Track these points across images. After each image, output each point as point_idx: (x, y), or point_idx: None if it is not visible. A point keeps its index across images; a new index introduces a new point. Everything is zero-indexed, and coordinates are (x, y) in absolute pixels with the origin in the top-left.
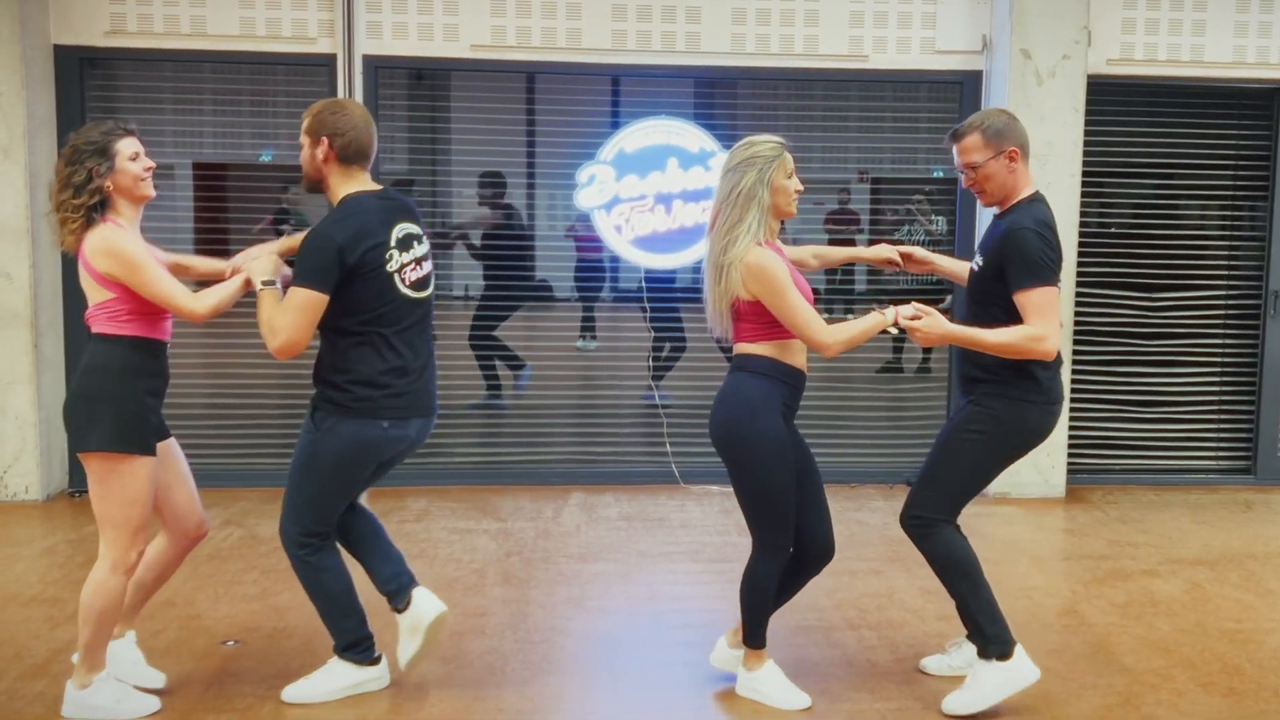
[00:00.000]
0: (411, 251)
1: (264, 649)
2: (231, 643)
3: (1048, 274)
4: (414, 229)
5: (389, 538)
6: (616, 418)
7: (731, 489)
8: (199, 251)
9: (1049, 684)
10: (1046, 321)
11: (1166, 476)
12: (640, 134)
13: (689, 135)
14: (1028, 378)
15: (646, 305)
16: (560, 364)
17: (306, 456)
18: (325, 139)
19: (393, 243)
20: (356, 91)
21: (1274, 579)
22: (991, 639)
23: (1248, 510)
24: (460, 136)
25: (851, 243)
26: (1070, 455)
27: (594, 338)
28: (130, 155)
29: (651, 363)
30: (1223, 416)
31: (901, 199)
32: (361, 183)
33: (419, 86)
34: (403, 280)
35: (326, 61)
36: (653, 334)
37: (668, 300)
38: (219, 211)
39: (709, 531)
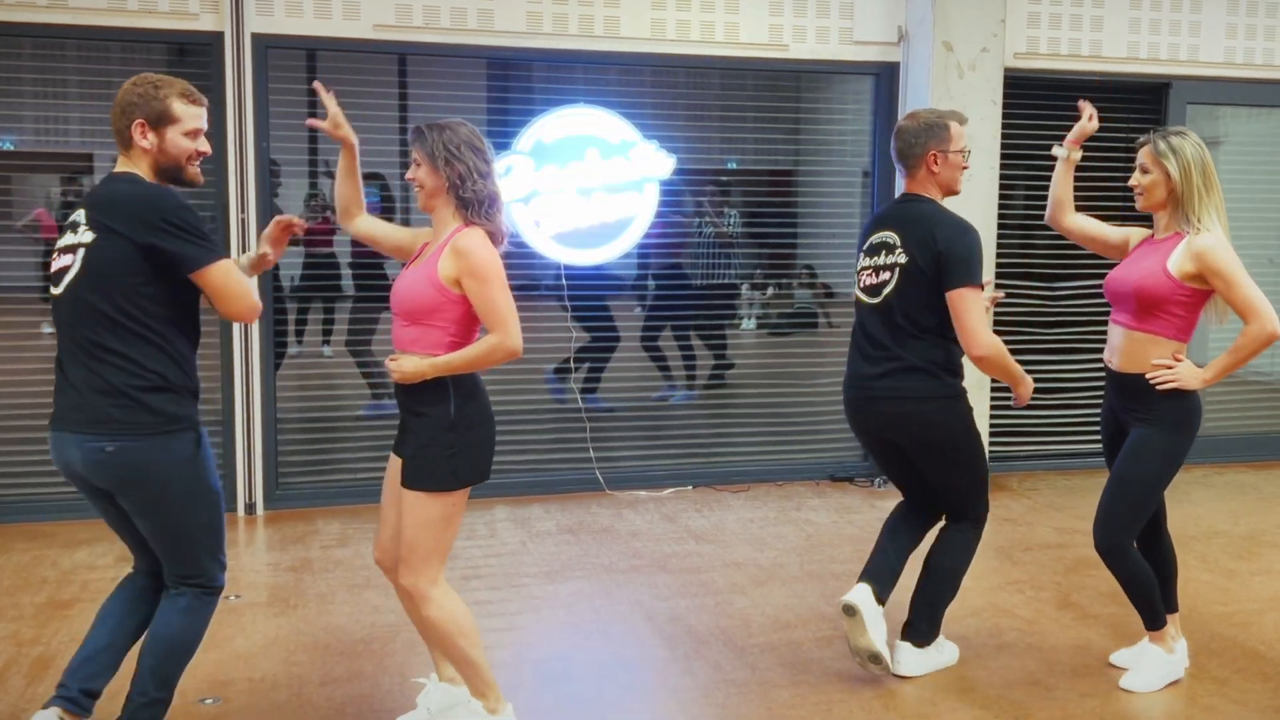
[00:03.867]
0: (67, 238)
1: (249, 704)
2: (210, 700)
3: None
4: (80, 217)
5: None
6: (535, 423)
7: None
8: None
9: (1101, 680)
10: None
11: (1068, 461)
12: (558, 123)
13: (609, 124)
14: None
15: (567, 303)
16: None
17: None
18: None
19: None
20: (246, 74)
21: (1226, 558)
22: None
23: None
24: (360, 124)
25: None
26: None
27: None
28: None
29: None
30: None
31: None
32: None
33: (315, 69)
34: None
35: (210, 40)
36: (573, 333)
37: (590, 297)
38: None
39: (663, 540)
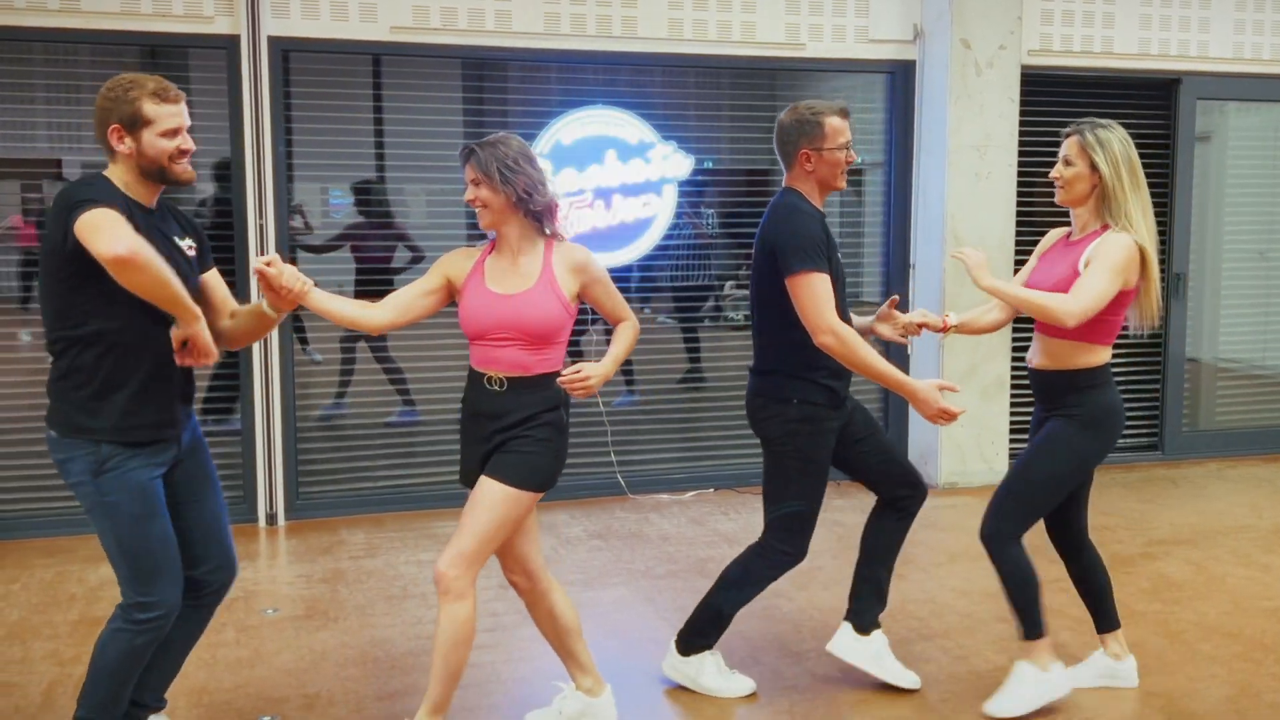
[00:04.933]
0: None
1: None
2: (267, 718)
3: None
4: None
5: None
6: None
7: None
8: None
9: (1162, 678)
10: None
11: None
12: (577, 124)
13: (627, 125)
14: None
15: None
16: None
17: None
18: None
19: None
20: (262, 78)
21: (1261, 553)
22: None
23: (1176, 486)
24: (378, 128)
25: None
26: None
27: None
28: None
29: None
30: (1130, 395)
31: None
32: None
33: (332, 72)
34: None
35: (226, 44)
36: (594, 337)
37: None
38: None
39: (696, 545)
